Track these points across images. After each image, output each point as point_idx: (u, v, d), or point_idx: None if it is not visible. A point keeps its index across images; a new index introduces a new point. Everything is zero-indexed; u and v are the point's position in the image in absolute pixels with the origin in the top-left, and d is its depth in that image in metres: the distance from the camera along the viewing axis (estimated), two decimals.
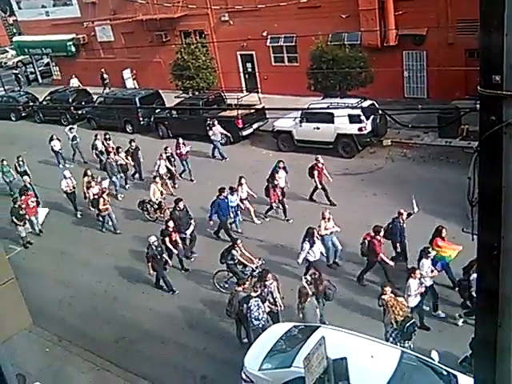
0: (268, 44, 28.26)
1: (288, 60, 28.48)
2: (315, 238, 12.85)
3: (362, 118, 19.84)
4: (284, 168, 17.07)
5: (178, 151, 20.19)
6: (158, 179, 17.75)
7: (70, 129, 24.36)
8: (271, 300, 11.42)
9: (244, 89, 28.82)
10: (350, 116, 19.69)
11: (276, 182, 16.46)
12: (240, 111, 23.08)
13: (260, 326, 10.92)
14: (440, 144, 20.35)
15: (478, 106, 3.70)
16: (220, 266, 13.80)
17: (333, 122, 20.01)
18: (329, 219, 13.62)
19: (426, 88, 24.85)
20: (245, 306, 11.04)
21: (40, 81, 42.33)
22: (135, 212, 18.48)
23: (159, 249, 13.99)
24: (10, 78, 43.13)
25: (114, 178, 19.91)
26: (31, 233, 18.39)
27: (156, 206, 17.70)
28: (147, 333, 12.93)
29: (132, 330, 13.12)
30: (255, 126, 23.88)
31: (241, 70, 30.31)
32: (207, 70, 28.09)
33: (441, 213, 14.90)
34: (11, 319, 12.32)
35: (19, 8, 40.04)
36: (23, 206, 17.50)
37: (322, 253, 13.20)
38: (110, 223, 17.73)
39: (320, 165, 17.01)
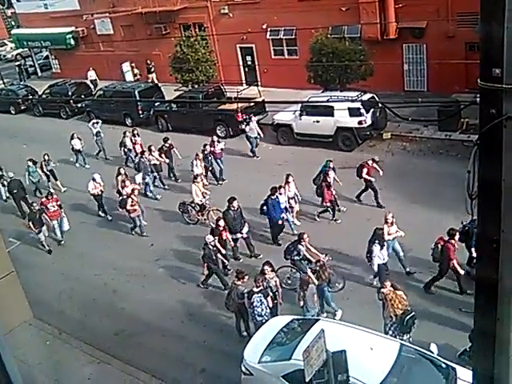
0: (268, 37, 28.17)
1: (288, 53, 28.41)
2: (383, 240, 12.20)
3: (362, 111, 19.81)
4: (333, 168, 16.23)
5: (213, 149, 19.25)
6: (198, 179, 16.84)
7: (94, 124, 23.42)
8: (270, 294, 11.42)
9: (244, 82, 28.75)
10: (349, 109, 19.66)
11: (329, 181, 15.66)
12: (240, 104, 23.03)
13: (263, 321, 10.90)
14: (440, 137, 20.33)
15: (477, 99, 3.70)
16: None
17: (333, 116, 19.98)
18: (392, 223, 12.74)
19: (425, 81, 24.80)
20: (247, 300, 11.05)
21: (39, 74, 42.23)
22: (172, 214, 17.66)
23: (215, 248, 13.37)
24: (8, 71, 43.07)
25: (147, 179, 19.16)
26: (50, 237, 17.44)
27: (198, 208, 16.78)
28: (147, 326, 12.96)
29: (132, 323, 13.15)
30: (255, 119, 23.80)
31: (240, 63, 30.23)
32: (207, 63, 28.03)
33: (440, 206, 14.92)
34: (12, 312, 12.40)
35: (18, 0, 39.87)
36: (41, 207, 16.76)
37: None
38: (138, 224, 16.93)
39: (370, 162, 16.18)
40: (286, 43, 28.17)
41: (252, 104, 23.59)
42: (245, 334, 11.73)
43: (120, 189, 17.52)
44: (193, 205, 16.88)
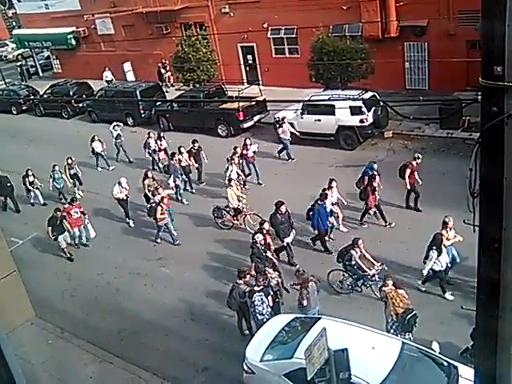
0: (269, 36, 28.16)
1: (289, 52, 28.41)
2: (443, 247, 11.85)
3: (364, 109, 19.79)
4: (377, 170, 15.55)
5: (245, 152, 18.47)
6: (233, 183, 16.18)
7: (115, 126, 22.76)
8: (271, 293, 11.43)
9: (245, 81, 28.74)
10: (351, 108, 19.66)
11: (375, 185, 14.86)
12: (241, 103, 23.03)
13: (264, 320, 10.92)
14: (441, 135, 20.32)
15: (479, 97, 3.70)
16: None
17: (334, 114, 19.99)
18: (451, 228, 12.23)
19: (427, 79, 24.79)
20: (248, 300, 11.07)
21: (40, 74, 42.24)
22: (202, 219, 17.12)
23: (263, 247, 12.84)
24: (10, 71, 43.09)
25: (177, 182, 18.33)
26: (72, 245, 16.83)
27: (232, 213, 16.13)
28: (149, 324, 12.98)
29: (134, 322, 13.17)
30: (256, 118, 23.84)
31: (241, 62, 30.24)
32: (208, 62, 28.03)
33: (442, 204, 14.90)
34: (14, 311, 12.42)
35: (18, 1, 39.90)
36: (64, 214, 16.15)
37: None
38: (166, 233, 16.20)
39: (415, 163, 15.29)
40: (287, 42, 28.17)
41: (253, 103, 23.60)
42: (247, 332, 11.75)
43: (148, 193, 16.94)
44: (227, 209, 16.23)
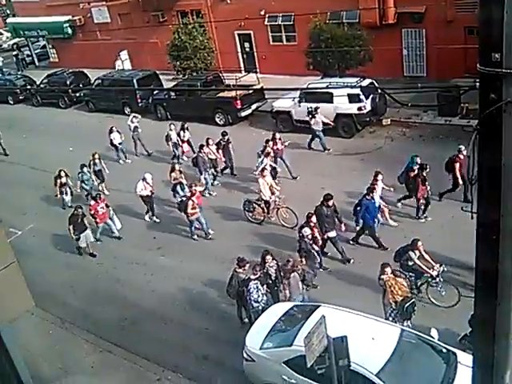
0: (266, 23, 27.99)
1: (286, 39, 28.25)
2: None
3: (362, 97, 19.74)
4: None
5: (275, 147, 17.65)
6: (266, 172, 15.44)
7: (132, 118, 21.86)
8: (270, 282, 11.48)
9: (242, 69, 28.63)
10: (349, 95, 19.60)
11: (424, 175, 14.10)
12: (238, 92, 22.95)
13: (259, 308, 11.05)
14: (439, 123, 20.29)
15: (477, 84, 3.69)
16: None
17: (332, 102, 19.89)
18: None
19: (425, 66, 24.70)
20: (244, 288, 11.13)
21: (37, 63, 42.00)
22: (230, 212, 16.61)
23: (312, 242, 12.46)
24: (5, 60, 42.83)
25: (205, 175, 17.68)
26: (98, 240, 16.34)
27: (263, 205, 15.52)
28: (149, 313, 13.03)
29: (134, 311, 13.22)
30: (254, 106, 23.77)
31: (239, 50, 30.07)
32: (205, 50, 27.89)
33: (440, 191, 14.92)
34: (14, 302, 12.44)
35: None
36: (92, 213, 15.78)
37: None
38: (197, 227, 15.65)
39: (462, 156, 14.18)
40: (285, 29, 28.00)
41: (251, 91, 23.52)
42: (246, 320, 11.79)
43: (175, 186, 16.29)
44: (258, 202, 15.64)
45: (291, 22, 27.25)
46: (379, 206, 13.93)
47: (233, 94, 23.05)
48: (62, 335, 12.81)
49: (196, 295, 13.47)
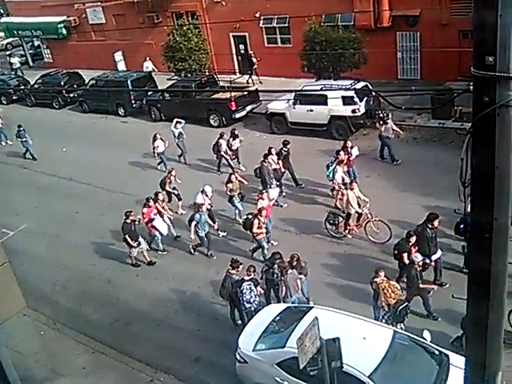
0: (261, 25, 28.00)
1: (281, 41, 28.28)
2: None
3: (356, 99, 19.78)
4: None
5: (346, 156, 16.17)
6: (354, 185, 14.18)
7: (176, 124, 20.47)
8: (276, 281, 11.48)
9: (237, 71, 28.62)
10: (343, 98, 19.63)
11: None
12: (233, 93, 22.94)
13: (252, 309, 11.09)
14: (433, 125, 20.35)
15: (471, 87, 3.70)
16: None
17: (326, 104, 19.96)
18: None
19: (419, 69, 24.79)
20: (237, 289, 11.14)
21: (31, 64, 41.82)
22: (299, 225, 15.39)
23: (420, 269, 11.07)
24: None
25: (272, 187, 16.02)
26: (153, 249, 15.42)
27: (346, 218, 14.27)
28: (142, 315, 12.98)
29: (126, 313, 13.17)
30: (248, 108, 23.77)
31: (233, 51, 30.07)
32: (199, 51, 27.86)
33: (433, 194, 14.97)
34: (5, 303, 12.34)
35: None
36: (145, 220, 14.76)
37: None
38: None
39: None
40: (280, 31, 28.02)
41: (245, 93, 23.52)
42: (239, 322, 11.78)
43: (232, 198, 15.45)
44: (343, 215, 14.44)
45: (286, 24, 27.28)
46: None
47: (227, 95, 23.05)
48: (54, 336, 12.75)
49: (188, 296, 13.44)
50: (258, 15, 27.55)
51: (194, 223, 14.08)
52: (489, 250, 3.88)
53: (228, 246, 14.88)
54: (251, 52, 27.38)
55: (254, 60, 27.13)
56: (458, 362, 8.38)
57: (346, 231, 14.45)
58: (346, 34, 22.83)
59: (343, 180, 15.48)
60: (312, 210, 16.00)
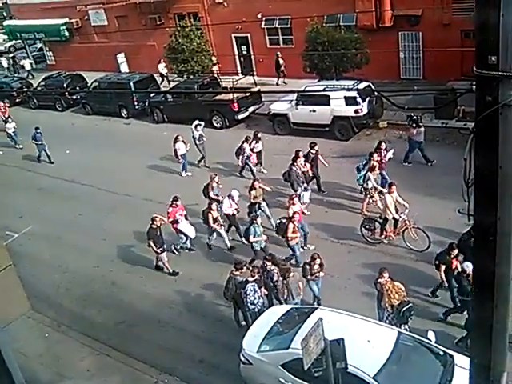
0: (263, 26, 28.00)
1: (283, 42, 28.27)
2: None
3: (358, 99, 19.77)
4: None
5: (379, 158, 15.54)
6: (393, 188, 13.46)
7: (197, 126, 19.97)
8: (270, 284, 11.48)
9: (239, 72, 28.63)
10: (346, 98, 19.60)
11: None
12: (235, 94, 22.96)
13: (256, 310, 11.08)
14: (436, 125, 20.31)
15: (473, 87, 3.69)
16: None
17: (329, 105, 19.96)
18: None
19: (421, 69, 24.76)
20: (242, 290, 11.13)
21: (34, 66, 41.90)
22: (328, 231, 14.88)
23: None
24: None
25: (299, 190, 15.50)
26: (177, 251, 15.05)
27: (383, 224, 13.67)
28: (146, 317, 12.99)
29: (130, 314, 13.17)
30: (251, 109, 23.78)
31: (236, 52, 30.09)
32: (202, 53, 27.87)
33: (437, 194, 14.94)
34: (10, 305, 12.39)
35: None
36: (170, 220, 14.33)
37: None
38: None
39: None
40: (282, 32, 28.03)
41: (248, 94, 23.55)
42: (243, 323, 11.77)
43: (253, 205, 14.86)
44: (380, 220, 13.83)
45: (288, 25, 27.28)
46: None
47: (230, 96, 23.06)
48: (58, 338, 12.75)
49: (192, 298, 13.44)
50: (259, 16, 27.55)
51: (251, 238, 13.19)
52: (493, 251, 3.86)
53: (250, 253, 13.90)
54: (278, 53, 27.07)
55: (281, 61, 26.85)
56: (462, 362, 8.36)
57: (383, 236, 13.86)
58: (348, 34, 22.83)
59: (375, 186, 14.95)
60: (337, 215, 15.56)
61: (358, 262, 13.43)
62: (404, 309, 10.00)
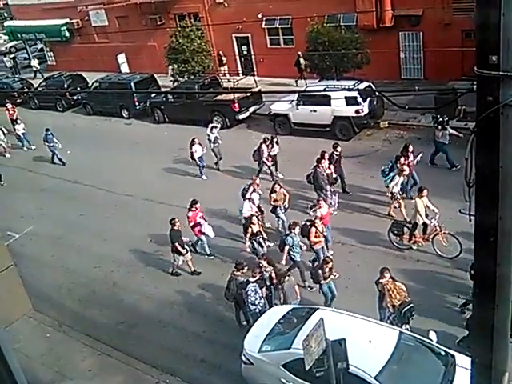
0: (263, 26, 28.01)
1: (284, 42, 28.29)
2: None
3: (359, 100, 19.78)
4: None
5: (407, 161, 15.09)
6: (424, 192, 12.94)
7: (212, 129, 19.69)
8: (267, 284, 11.50)
9: (240, 72, 28.63)
10: (346, 98, 19.60)
11: None
12: (236, 95, 22.96)
13: (257, 310, 11.08)
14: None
15: (474, 86, 3.69)
16: None
17: (330, 105, 19.96)
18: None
19: (422, 69, 24.76)
20: (243, 291, 11.14)
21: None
22: (354, 235, 14.51)
23: None
24: (2, 64, 42.73)
25: (328, 192, 15.23)
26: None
27: (412, 228, 13.21)
28: (147, 317, 12.99)
29: (132, 315, 13.18)
30: (251, 109, 23.78)
31: (236, 52, 30.10)
32: (202, 53, 27.88)
33: (438, 194, 14.92)
34: (12, 305, 12.40)
35: None
36: (191, 224, 14.23)
37: None
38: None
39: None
40: (282, 32, 28.04)
41: (248, 94, 23.55)
42: (244, 323, 11.78)
43: (275, 208, 14.60)
44: (409, 225, 13.34)
45: (289, 25, 27.29)
46: None
47: (230, 96, 23.07)
48: (60, 338, 12.75)
49: (193, 298, 13.45)
50: (260, 16, 27.56)
51: (287, 248, 12.51)
52: (494, 251, 3.86)
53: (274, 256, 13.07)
54: (299, 52, 26.52)
55: (302, 61, 26.67)
56: (464, 362, 8.35)
57: (411, 242, 13.42)
58: (348, 34, 22.85)
59: (400, 190, 14.66)
60: (360, 219, 15.23)
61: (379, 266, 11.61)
62: (405, 309, 10.00)
